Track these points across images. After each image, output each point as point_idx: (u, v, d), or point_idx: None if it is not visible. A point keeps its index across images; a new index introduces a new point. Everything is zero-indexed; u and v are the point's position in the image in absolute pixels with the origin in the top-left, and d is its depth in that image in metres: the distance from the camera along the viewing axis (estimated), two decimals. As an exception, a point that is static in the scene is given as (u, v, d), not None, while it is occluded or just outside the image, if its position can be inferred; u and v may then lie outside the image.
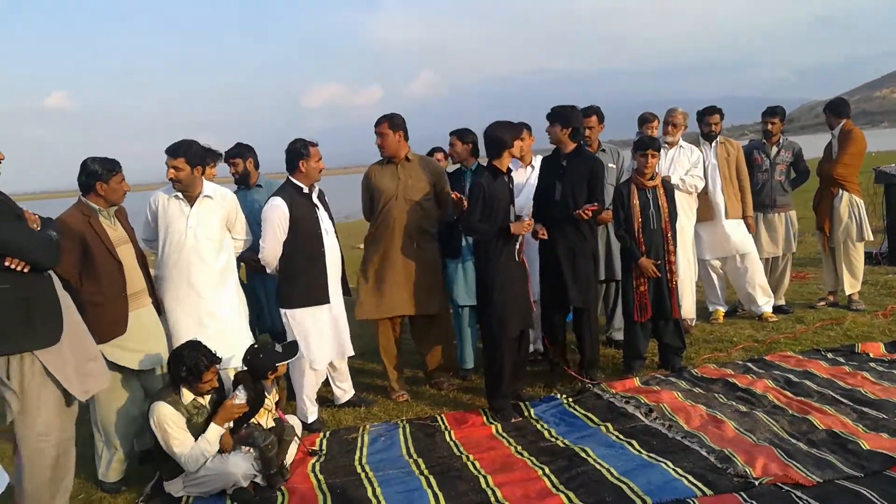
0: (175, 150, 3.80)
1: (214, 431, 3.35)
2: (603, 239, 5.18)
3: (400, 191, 4.56)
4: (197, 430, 3.37)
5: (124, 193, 3.64)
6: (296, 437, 3.68)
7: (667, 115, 5.70)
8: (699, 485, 3.06)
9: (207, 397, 3.48)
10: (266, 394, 3.55)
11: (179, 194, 3.87)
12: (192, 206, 3.89)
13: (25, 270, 2.79)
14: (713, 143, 5.79)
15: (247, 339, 4.04)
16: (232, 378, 3.62)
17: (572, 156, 4.50)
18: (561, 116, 4.49)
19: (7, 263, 2.74)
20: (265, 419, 3.57)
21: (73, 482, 3.21)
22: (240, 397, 3.45)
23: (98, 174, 3.50)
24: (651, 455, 3.42)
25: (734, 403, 4.06)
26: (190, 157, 3.80)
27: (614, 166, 5.27)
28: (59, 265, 3.02)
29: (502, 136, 4.14)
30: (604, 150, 5.27)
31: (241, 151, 4.83)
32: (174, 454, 3.29)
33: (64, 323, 2.94)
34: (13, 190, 3.08)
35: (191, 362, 3.34)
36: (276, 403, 3.66)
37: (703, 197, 5.71)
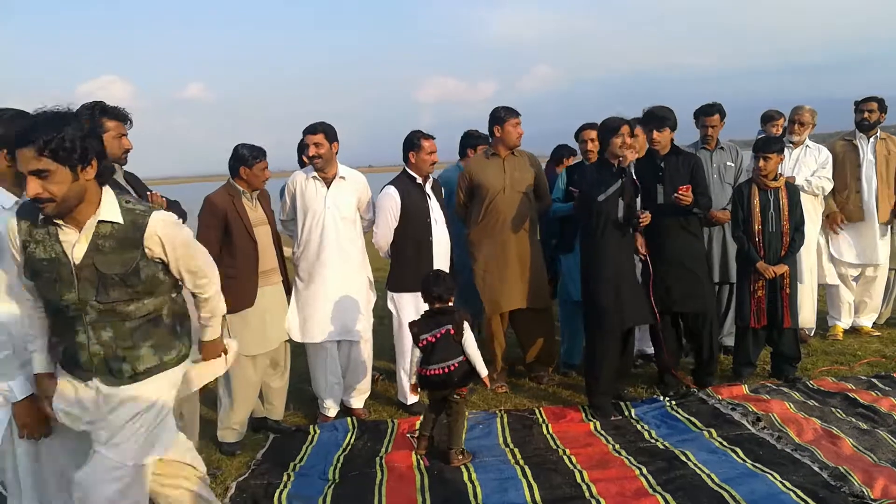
0: (314, 128, 4.02)
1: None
2: (719, 240, 5.01)
3: (507, 184, 4.59)
4: None
5: (265, 181, 3.90)
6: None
7: (793, 112, 5.40)
8: (809, 500, 2.91)
9: None
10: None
11: (317, 175, 4.09)
12: (328, 187, 4.10)
13: None
14: (871, 139, 5.41)
15: (369, 313, 4.28)
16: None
17: (670, 156, 4.39)
18: (670, 120, 4.37)
19: None
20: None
21: (197, 442, 3.50)
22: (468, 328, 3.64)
23: (244, 159, 3.78)
24: (756, 465, 3.29)
25: (853, 420, 3.82)
26: (329, 134, 4.01)
27: (733, 165, 5.07)
28: None
29: (601, 132, 4.19)
30: (722, 149, 5.07)
31: None
32: None
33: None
34: (154, 174, 3.36)
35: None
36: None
37: (854, 196, 5.37)
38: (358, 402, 4.43)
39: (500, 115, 4.61)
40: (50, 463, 2.41)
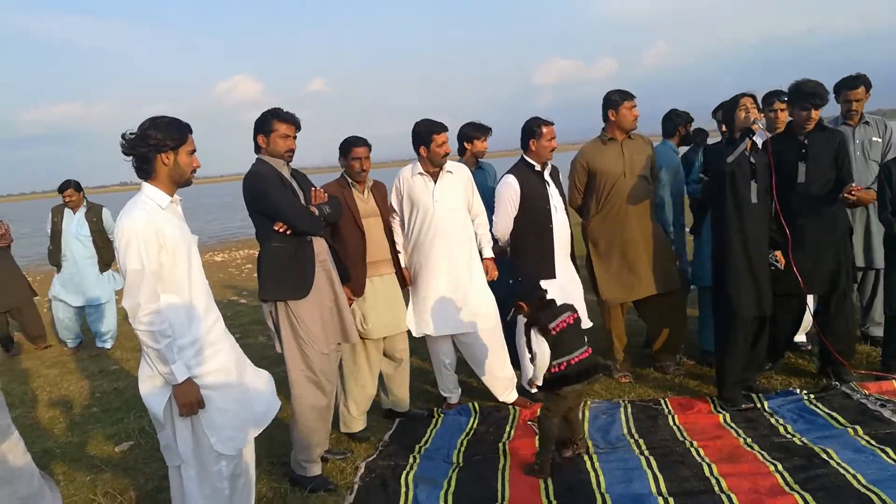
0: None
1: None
2: (862, 222, 4.65)
3: (626, 168, 4.48)
4: None
5: (360, 171, 3.88)
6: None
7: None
8: (970, 506, 2.68)
9: None
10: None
11: (423, 171, 4.15)
12: (435, 181, 4.15)
13: (288, 233, 3.29)
14: None
15: (490, 301, 4.24)
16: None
17: (814, 133, 4.06)
18: (820, 96, 3.98)
19: (275, 227, 3.27)
20: None
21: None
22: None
23: (341, 150, 3.91)
24: (910, 467, 3.04)
25: None
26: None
27: (879, 140, 4.67)
28: (316, 234, 3.41)
29: (723, 113, 4.08)
30: (867, 123, 4.68)
31: None
32: None
33: (315, 282, 3.36)
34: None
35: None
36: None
37: None
38: (508, 395, 4.34)
39: (615, 99, 4.49)
40: (203, 433, 2.63)
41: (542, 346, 3.30)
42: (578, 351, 3.35)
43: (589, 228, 4.66)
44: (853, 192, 3.83)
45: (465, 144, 4.81)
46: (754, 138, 3.85)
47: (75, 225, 6.77)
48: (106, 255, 6.87)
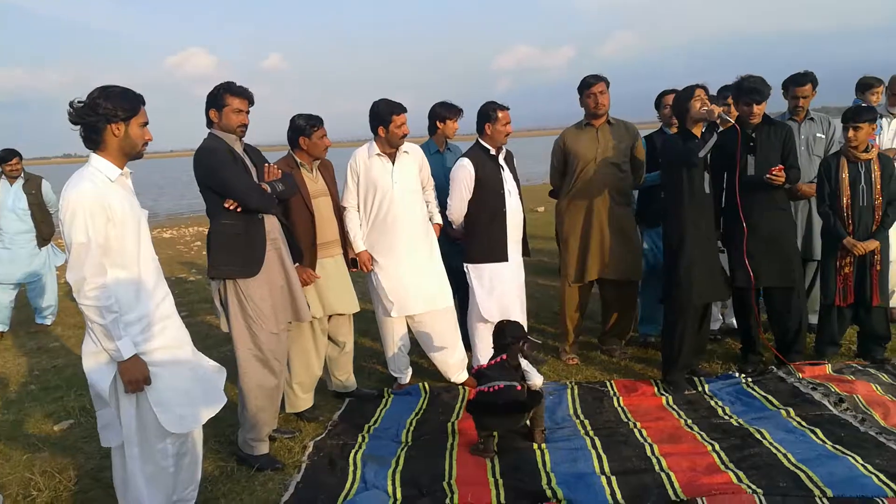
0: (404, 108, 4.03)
1: None
2: (803, 215, 4.82)
3: (599, 154, 4.55)
4: None
5: (325, 148, 3.92)
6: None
7: (893, 81, 5.08)
8: (892, 484, 2.82)
9: None
10: None
11: (380, 152, 4.13)
12: (393, 162, 4.15)
13: (238, 210, 3.23)
14: None
15: (446, 282, 4.29)
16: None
17: (762, 126, 4.20)
18: (768, 92, 4.14)
19: (226, 204, 3.21)
20: None
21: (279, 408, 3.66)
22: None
23: (302, 129, 3.83)
24: (836, 447, 3.19)
25: (946, 405, 3.65)
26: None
27: (823, 136, 4.83)
28: (268, 212, 3.35)
29: (676, 103, 4.11)
30: (812, 119, 4.84)
31: None
32: None
33: (266, 262, 3.31)
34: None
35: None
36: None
37: None
38: (459, 376, 4.39)
39: (587, 82, 4.56)
40: (148, 410, 2.59)
41: None
42: (490, 383, 3.40)
43: (558, 208, 4.78)
44: (774, 173, 3.98)
45: (438, 124, 4.79)
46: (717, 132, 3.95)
47: (12, 198, 6.38)
48: (45, 229, 6.55)
